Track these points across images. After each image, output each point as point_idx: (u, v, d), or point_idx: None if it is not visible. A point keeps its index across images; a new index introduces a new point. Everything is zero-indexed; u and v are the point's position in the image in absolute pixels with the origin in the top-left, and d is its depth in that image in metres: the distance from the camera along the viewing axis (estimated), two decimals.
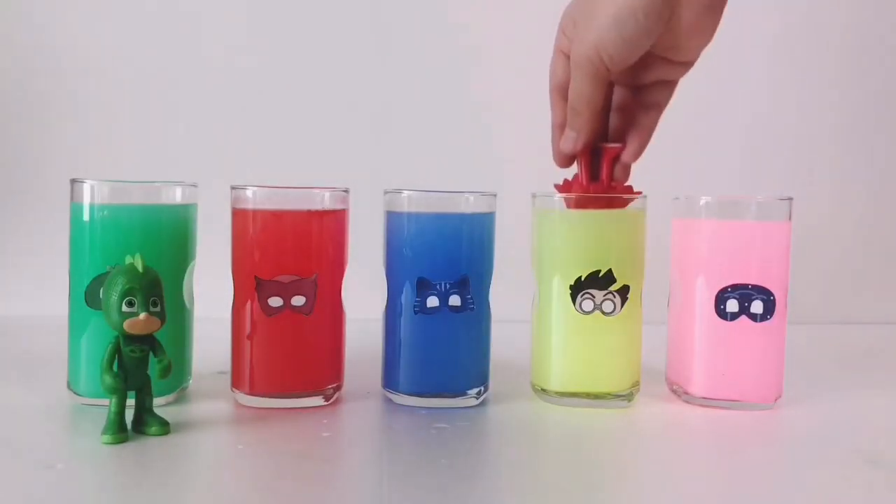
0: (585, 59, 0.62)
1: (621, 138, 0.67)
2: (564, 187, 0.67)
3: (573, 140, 0.65)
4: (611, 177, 0.67)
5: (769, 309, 0.65)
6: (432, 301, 0.63)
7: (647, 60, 0.64)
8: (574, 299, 0.65)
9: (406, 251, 0.64)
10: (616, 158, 0.67)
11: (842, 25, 1.14)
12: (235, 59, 1.08)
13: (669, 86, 0.68)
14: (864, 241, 1.15)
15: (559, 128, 0.67)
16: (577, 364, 0.66)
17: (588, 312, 0.65)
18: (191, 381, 0.67)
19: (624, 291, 0.65)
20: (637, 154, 0.67)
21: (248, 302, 0.63)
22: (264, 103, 1.08)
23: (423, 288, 0.63)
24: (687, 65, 0.66)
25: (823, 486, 0.51)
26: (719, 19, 0.64)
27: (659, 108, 0.68)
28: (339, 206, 0.65)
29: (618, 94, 0.68)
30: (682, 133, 1.09)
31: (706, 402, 0.67)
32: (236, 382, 0.64)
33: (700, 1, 0.61)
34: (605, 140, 0.67)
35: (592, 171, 0.67)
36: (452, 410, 0.64)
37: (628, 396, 0.66)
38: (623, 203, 0.65)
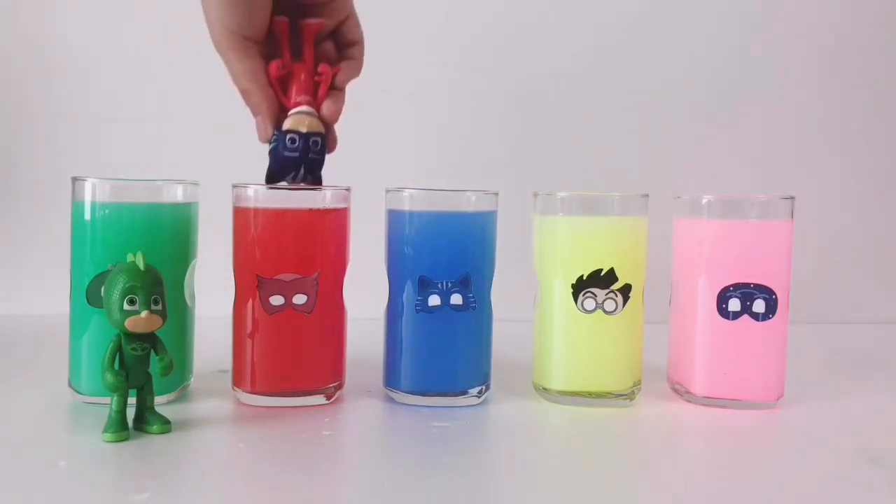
0: (223, 40, 0.61)
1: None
2: (273, 70, 0.64)
3: (262, 124, 0.65)
4: (314, 56, 0.65)
5: (771, 308, 0.65)
6: (434, 300, 0.63)
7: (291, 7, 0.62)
8: (576, 298, 0.65)
9: (408, 250, 0.64)
10: (317, 34, 0.64)
11: (843, 24, 1.14)
12: None
13: (334, 10, 0.65)
14: (866, 241, 1.15)
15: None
16: (579, 363, 0.65)
17: (590, 311, 0.65)
18: (192, 380, 0.67)
19: (626, 290, 0.64)
20: (348, 77, 0.66)
21: (250, 300, 0.62)
22: None
23: (424, 287, 0.63)
24: None
25: (825, 486, 0.51)
26: None
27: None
28: (340, 205, 0.65)
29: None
30: (683, 132, 1.09)
31: (708, 401, 0.66)
32: (237, 381, 0.64)
33: None
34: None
35: (294, 51, 0.65)
36: (454, 409, 0.64)
37: (630, 395, 0.66)
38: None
